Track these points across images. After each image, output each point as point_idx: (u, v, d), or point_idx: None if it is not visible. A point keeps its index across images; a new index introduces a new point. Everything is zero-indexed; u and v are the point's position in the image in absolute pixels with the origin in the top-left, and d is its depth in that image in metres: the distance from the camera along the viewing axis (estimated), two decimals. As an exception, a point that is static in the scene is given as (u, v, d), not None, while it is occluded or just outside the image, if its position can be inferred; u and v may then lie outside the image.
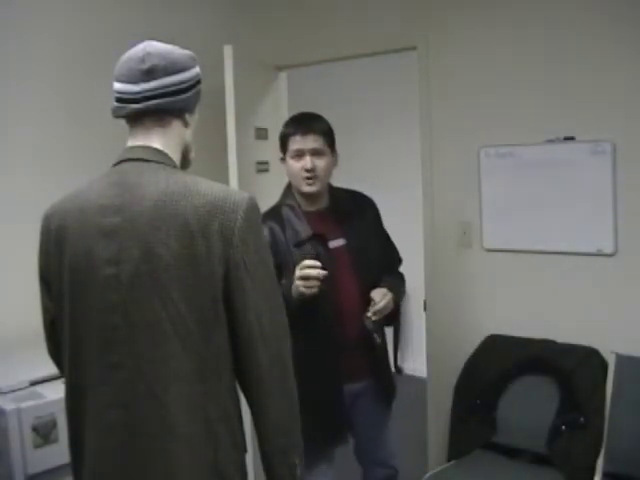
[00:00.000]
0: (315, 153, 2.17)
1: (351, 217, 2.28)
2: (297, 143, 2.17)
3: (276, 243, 2.14)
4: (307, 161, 2.16)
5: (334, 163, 2.27)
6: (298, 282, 2.01)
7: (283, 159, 2.25)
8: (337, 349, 2.17)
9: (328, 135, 2.22)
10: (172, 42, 1.42)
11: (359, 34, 3.29)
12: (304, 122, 2.21)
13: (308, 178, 2.17)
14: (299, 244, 2.16)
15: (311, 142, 2.17)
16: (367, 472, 2.46)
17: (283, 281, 2.05)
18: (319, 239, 2.18)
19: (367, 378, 2.28)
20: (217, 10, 3.50)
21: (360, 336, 2.19)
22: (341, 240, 2.24)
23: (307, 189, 2.19)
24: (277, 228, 2.17)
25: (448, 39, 3.05)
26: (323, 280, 2.01)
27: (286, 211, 2.22)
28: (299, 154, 2.18)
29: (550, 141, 2.80)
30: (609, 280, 2.70)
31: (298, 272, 2.02)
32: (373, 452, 2.40)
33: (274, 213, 2.23)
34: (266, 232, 2.05)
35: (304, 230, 2.17)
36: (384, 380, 2.35)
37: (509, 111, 2.91)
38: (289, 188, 2.29)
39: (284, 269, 2.09)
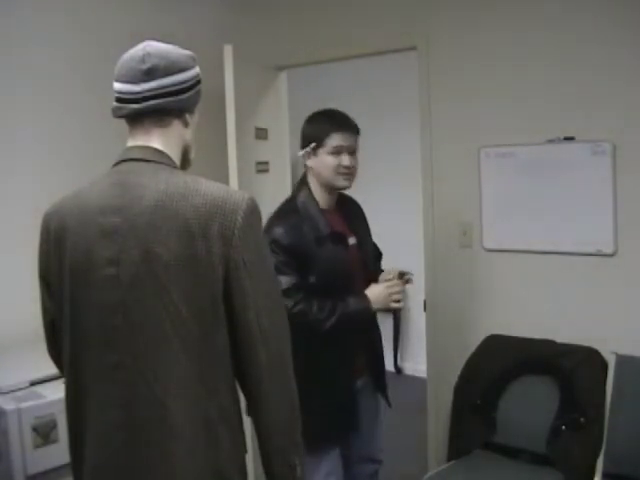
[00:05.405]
0: (351, 151, 2.20)
1: (355, 217, 2.34)
2: (337, 139, 2.17)
3: (302, 238, 2.10)
4: (347, 158, 2.18)
5: None
6: (390, 298, 2.16)
7: (310, 153, 2.20)
8: (353, 344, 2.22)
9: (359, 135, 2.26)
10: (172, 42, 1.42)
11: (359, 34, 3.29)
12: (343, 119, 2.22)
13: (346, 174, 2.19)
14: (319, 241, 2.13)
15: (349, 139, 2.19)
16: (354, 467, 2.39)
17: (312, 279, 2.08)
18: (339, 237, 2.19)
19: (366, 375, 2.32)
20: (217, 10, 3.50)
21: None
22: (353, 238, 2.27)
23: (343, 184, 2.21)
24: (299, 223, 2.13)
25: (448, 39, 3.05)
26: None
27: (303, 205, 2.19)
28: (338, 150, 2.17)
29: (550, 141, 2.80)
30: (609, 280, 2.70)
31: (388, 290, 2.15)
32: (365, 448, 2.39)
33: (292, 208, 2.19)
34: (285, 230, 2.07)
35: (323, 227, 2.16)
36: (381, 376, 2.39)
37: (509, 111, 2.91)
38: (304, 184, 2.24)
39: (311, 264, 2.09)
